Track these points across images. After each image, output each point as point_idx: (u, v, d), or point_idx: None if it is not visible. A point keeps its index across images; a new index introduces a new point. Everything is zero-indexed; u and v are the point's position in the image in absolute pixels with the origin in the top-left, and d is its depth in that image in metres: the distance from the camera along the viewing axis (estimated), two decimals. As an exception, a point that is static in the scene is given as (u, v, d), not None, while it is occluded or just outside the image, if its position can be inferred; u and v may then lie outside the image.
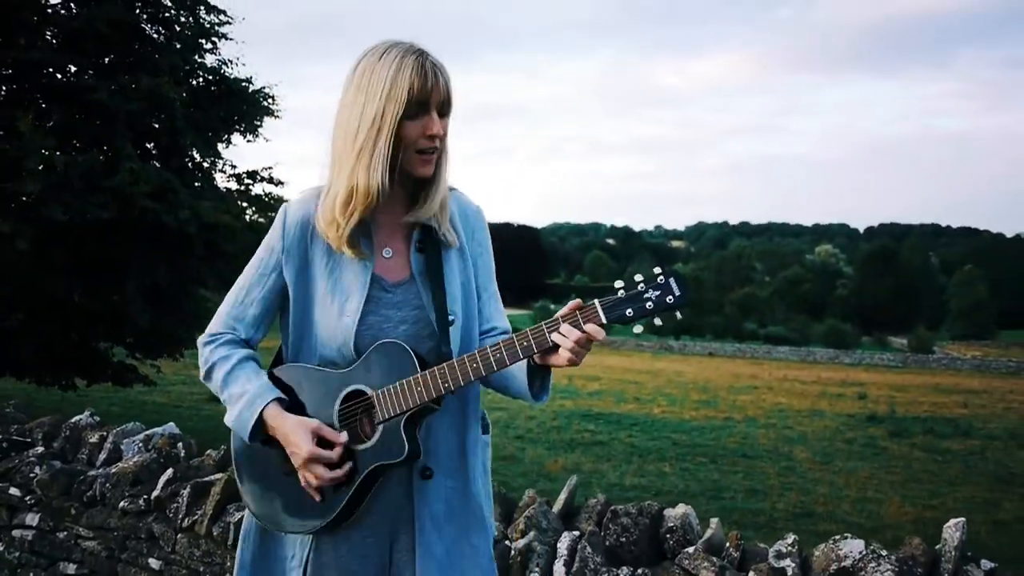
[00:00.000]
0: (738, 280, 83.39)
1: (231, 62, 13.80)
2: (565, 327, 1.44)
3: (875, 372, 37.53)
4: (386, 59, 1.51)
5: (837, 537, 2.39)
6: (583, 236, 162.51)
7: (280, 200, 14.68)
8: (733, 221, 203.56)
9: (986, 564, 2.27)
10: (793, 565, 2.32)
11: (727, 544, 2.52)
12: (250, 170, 14.35)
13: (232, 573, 1.74)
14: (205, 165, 14.24)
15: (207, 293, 14.17)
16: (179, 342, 13.47)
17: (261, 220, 14.15)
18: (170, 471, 3.32)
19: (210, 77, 13.92)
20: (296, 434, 1.53)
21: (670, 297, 1.43)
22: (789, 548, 2.40)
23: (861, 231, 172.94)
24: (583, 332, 1.43)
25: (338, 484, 1.55)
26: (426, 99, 1.51)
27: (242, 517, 3.03)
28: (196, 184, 13.52)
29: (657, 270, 1.46)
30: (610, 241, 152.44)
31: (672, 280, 1.44)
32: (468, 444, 1.65)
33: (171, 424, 3.94)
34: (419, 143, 1.53)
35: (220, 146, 14.22)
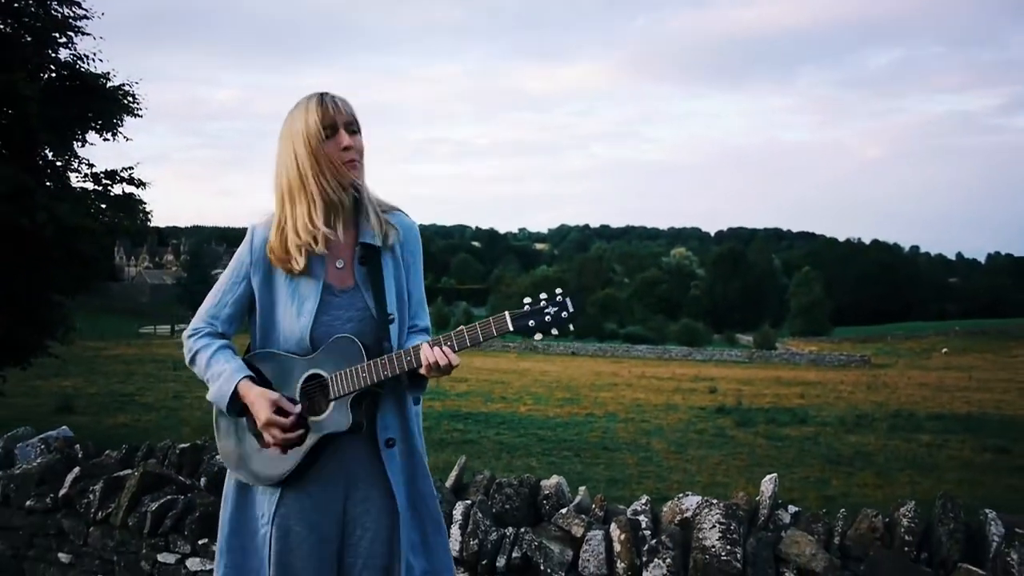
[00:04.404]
0: (599, 282, 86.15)
1: (87, 57, 13.25)
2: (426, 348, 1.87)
3: (724, 367, 39.99)
4: (296, 109, 1.96)
5: (680, 495, 2.93)
6: (449, 238, 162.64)
7: (141, 202, 14.19)
8: (594, 224, 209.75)
9: (792, 508, 2.87)
10: (647, 519, 2.84)
11: (593, 506, 3.02)
12: (108, 169, 13.82)
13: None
14: (59, 164, 13.61)
15: (61, 298, 13.52)
16: (30, 350, 12.83)
17: (125, 222, 13.64)
18: (77, 469, 3.47)
19: (64, 72, 13.32)
20: (259, 403, 1.91)
21: (565, 312, 1.83)
22: (643, 506, 2.92)
23: (712, 235, 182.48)
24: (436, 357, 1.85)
25: (294, 444, 1.92)
26: (332, 122, 1.93)
27: (158, 506, 3.26)
28: (48, 184, 12.93)
29: (558, 290, 1.86)
30: (476, 243, 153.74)
31: (568, 299, 1.84)
32: (409, 414, 2.06)
33: (65, 427, 4.05)
34: (339, 156, 1.94)
35: (75, 144, 13.63)
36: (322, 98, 1.93)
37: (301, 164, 1.92)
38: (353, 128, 1.97)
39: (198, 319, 2.06)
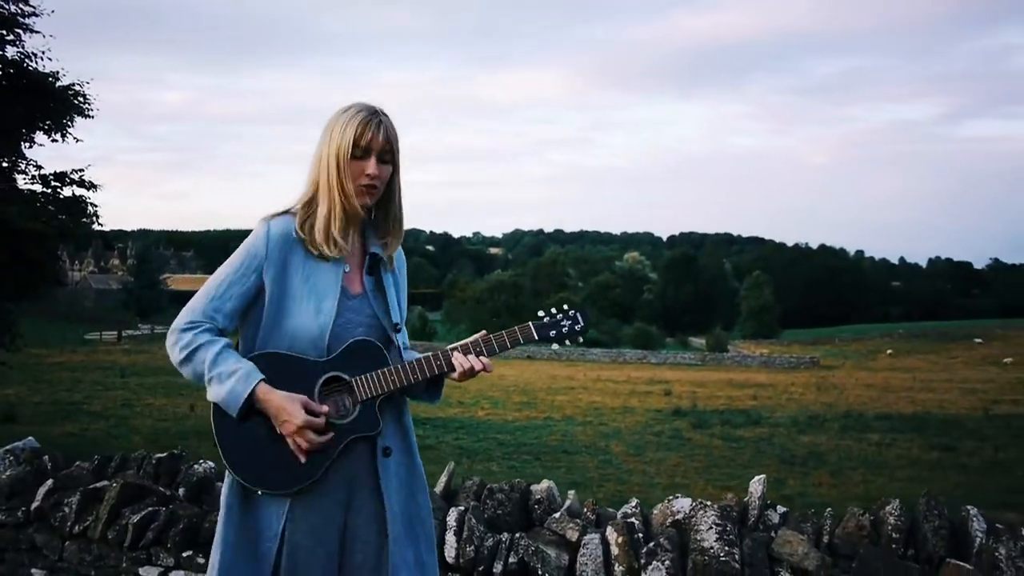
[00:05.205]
0: (553, 286, 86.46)
1: (35, 55, 12.90)
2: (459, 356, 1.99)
3: (678, 370, 40.39)
4: (344, 113, 1.94)
5: (671, 497, 2.97)
6: (402, 242, 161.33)
7: (92, 204, 13.81)
8: (548, 229, 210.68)
9: (781, 509, 2.92)
10: (638, 522, 2.86)
11: (584, 510, 3.04)
12: (58, 171, 13.46)
13: (216, 549, 1.93)
14: (5, 165, 13.22)
15: (7, 304, 13.10)
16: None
17: (70, 224, 13.28)
18: (50, 482, 3.36)
19: (11, 71, 12.95)
20: (289, 407, 1.82)
21: (578, 325, 2.04)
22: (633, 509, 2.95)
23: (664, 239, 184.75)
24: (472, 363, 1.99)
25: (320, 450, 1.87)
26: (367, 145, 1.91)
27: (140, 518, 3.18)
28: (-8, 186, 12.56)
29: (566, 305, 2.07)
30: (429, 247, 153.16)
31: (579, 314, 2.05)
32: (407, 427, 2.05)
33: (31, 438, 3.92)
34: (360, 179, 1.93)
35: (23, 145, 13.26)
36: (369, 116, 1.92)
37: (330, 171, 1.92)
38: (385, 158, 1.95)
39: (195, 312, 1.91)
